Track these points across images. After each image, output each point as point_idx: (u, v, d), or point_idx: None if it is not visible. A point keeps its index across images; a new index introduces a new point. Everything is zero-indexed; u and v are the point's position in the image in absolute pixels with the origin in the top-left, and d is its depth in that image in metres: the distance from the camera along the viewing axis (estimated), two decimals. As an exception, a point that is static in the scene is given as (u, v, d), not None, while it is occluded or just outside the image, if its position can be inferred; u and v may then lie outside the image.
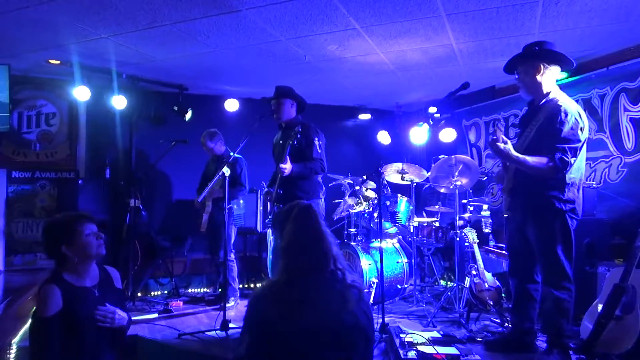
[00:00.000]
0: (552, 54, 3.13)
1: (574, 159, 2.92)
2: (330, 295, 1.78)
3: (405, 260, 4.89)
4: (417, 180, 4.79)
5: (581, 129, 2.96)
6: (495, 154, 2.98)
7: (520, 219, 3.21)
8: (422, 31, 4.07)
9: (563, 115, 2.91)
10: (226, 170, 3.80)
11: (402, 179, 4.71)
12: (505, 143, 2.90)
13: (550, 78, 3.14)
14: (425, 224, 4.82)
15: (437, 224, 4.86)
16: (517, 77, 3.22)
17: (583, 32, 4.08)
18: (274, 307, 1.75)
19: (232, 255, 4.98)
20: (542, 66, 3.09)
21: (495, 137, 2.90)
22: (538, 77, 3.10)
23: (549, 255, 3.03)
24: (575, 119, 2.94)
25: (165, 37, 4.18)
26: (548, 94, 3.11)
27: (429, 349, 2.95)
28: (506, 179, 3.29)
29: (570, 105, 3.00)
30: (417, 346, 3.01)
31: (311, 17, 3.74)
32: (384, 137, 6.70)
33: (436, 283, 5.44)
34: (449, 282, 5.25)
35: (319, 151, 4.09)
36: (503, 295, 4.02)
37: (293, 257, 1.88)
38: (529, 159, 2.88)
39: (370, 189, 5.32)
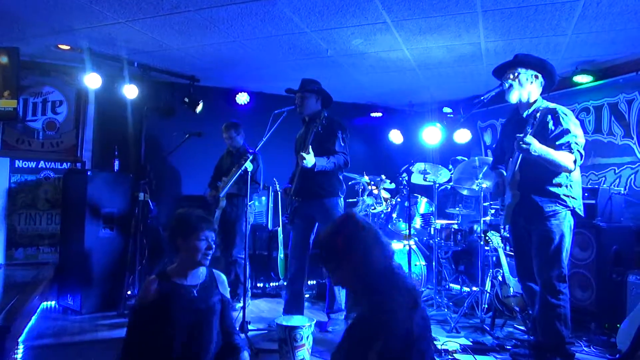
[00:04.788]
0: (552, 71, 3.19)
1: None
2: None
3: (423, 262, 4.77)
4: (440, 180, 4.67)
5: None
6: (519, 147, 2.88)
7: (524, 221, 3.16)
8: (453, 27, 3.95)
9: (563, 115, 3.00)
10: (249, 166, 3.63)
11: (425, 179, 4.59)
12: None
13: (539, 89, 3.19)
14: (444, 226, 4.70)
15: (455, 227, 4.75)
16: (512, 80, 3.13)
17: (617, 35, 3.98)
18: None
19: (244, 254, 4.82)
20: (541, 76, 3.15)
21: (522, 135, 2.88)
22: (535, 86, 3.15)
23: (551, 257, 2.99)
24: (574, 118, 3.05)
25: (185, 25, 4.00)
26: (535, 102, 3.16)
27: (466, 358, 2.83)
28: (510, 184, 3.19)
29: (563, 107, 3.08)
30: (454, 354, 2.89)
31: (343, 7, 3.59)
32: (396, 136, 6.57)
33: (452, 287, 5.33)
34: (464, 287, 5.14)
35: (342, 144, 3.94)
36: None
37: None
38: (552, 151, 2.89)
39: (384, 188, 5.20)
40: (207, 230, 2.26)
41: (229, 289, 2.52)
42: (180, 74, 5.45)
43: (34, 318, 4.13)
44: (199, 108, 5.51)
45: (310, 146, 3.71)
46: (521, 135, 2.84)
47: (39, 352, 3.37)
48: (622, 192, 4.25)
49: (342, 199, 4.12)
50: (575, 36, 4.01)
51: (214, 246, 2.29)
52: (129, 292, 4.66)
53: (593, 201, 4.01)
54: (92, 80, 4.76)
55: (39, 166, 5.05)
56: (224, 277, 2.47)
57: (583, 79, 4.74)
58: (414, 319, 1.55)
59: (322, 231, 1.88)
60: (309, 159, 3.68)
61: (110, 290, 4.45)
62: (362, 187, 5.14)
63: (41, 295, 4.16)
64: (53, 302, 4.57)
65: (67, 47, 4.62)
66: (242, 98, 6.06)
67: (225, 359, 2.32)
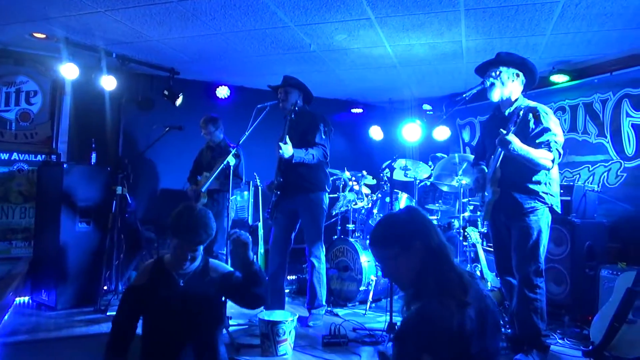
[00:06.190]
0: (534, 69, 3.22)
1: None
2: None
3: (403, 258, 4.81)
4: (420, 177, 4.72)
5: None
6: (501, 144, 2.95)
7: (504, 217, 3.22)
8: (436, 25, 3.99)
9: (544, 113, 3.06)
10: (232, 160, 3.60)
11: (406, 175, 4.63)
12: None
13: (521, 87, 3.24)
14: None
15: (435, 222, 4.80)
16: (493, 78, 3.17)
17: (593, 36, 4.09)
18: None
19: (225, 250, 4.78)
20: (522, 75, 3.20)
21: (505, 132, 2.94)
22: (517, 84, 3.19)
23: (529, 252, 3.06)
24: (554, 117, 3.12)
25: (166, 15, 3.92)
26: (516, 100, 3.21)
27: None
28: (491, 181, 3.25)
29: (544, 106, 3.15)
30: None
31: (327, 2, 3.58)
32: (376, 133, 6.60)
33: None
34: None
35: (323, 137, 3.93)
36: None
37: None
38: (532, 150, 2.95)
39: (365, 184, 5.22)
40: (189, 243, 2.20)
41: (226, 266, 2.48)
42: (160, 66, 5.36)
43: (7, 314, 4.01)
44: (178, 101, 5.43)
45: (287, 136, 3.69)
46: (504, 132, 2.90)
47: (14, 348, 3.28)
48: (596, 189, 4.38)
49: (327, 194, 4.11)
50: (553, 36, 4.10)
51: (196, 256, 2.26)
52: (105, 288, 4.56)
53: (568, 198, 4.11)
54: (68, 71, 4.62)
55: (12, 158, 4.89)
56: (218, 263, 2.43)
57: (559, 79, 4.86)
58: (465, 318, 1.40)
59: (386, 214, 1.72)
60: (286, 149, 3.66)
61: (86, 286, 4.35)
62: (344, 182, 5.16)
63: (15, 290, 4.05)
64: (27, 298, 4.45)
65: (43, 36, 4.48)
66: (223, 92, 6.00)
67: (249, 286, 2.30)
